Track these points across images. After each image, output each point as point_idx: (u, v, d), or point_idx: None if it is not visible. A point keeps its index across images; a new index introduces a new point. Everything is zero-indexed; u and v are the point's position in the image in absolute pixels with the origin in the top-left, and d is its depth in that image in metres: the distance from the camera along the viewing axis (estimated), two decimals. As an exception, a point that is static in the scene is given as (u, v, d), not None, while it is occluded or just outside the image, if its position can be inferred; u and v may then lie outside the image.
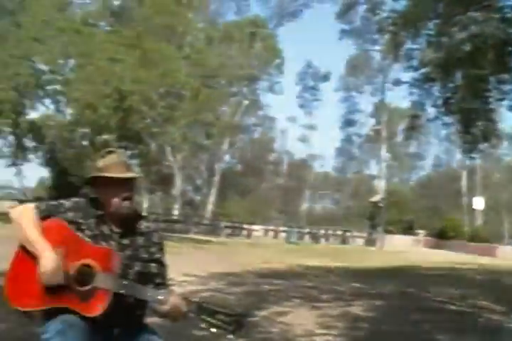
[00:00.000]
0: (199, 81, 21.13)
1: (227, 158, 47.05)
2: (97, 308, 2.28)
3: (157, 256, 2.59)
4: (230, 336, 2.18)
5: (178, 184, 38.63)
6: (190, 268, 10.48)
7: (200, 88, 20.66)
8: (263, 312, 6.79)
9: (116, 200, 2.49)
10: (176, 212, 36.66)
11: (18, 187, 43.77)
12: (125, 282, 2.34)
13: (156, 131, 23.23)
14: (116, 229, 2.53)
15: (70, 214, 2.51)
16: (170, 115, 21.48)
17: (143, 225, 2.61)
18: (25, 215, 2.50)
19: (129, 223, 2.57)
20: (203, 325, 2.21)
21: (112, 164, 2.54)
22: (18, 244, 2.50)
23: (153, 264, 2.56)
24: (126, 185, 2.52)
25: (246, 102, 36.77)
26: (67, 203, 2.56)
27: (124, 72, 19.51)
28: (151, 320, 2.61)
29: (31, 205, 2.56)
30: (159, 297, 2.31)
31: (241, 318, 2.22)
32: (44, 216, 2.51)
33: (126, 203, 2.51)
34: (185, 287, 8.15)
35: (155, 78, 20.00)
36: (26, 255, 2.46)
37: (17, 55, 20.34)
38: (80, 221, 2.51)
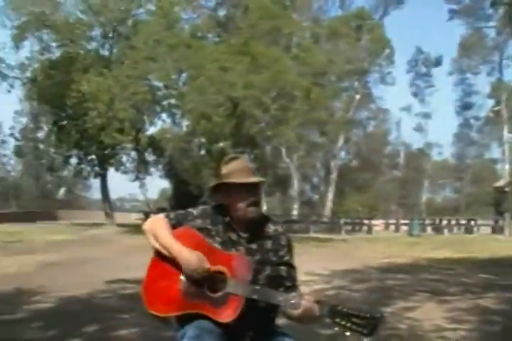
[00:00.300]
0: (309, 80, 21.14)
1: (342, 154, 46.61)
2: (230, 314, 2.31)
3: (286, 258, 2.58)
4: (366, 340, 2.13)
5: (296, 184, 38.76)
6: (312, 267, 10.47)
7: (310, 87, 20.65)
8: (389, 309, 6.67)
9: (242, 206, 2.51)
10: (294, 212, 36.76)
11: (142, 200, 45.92)
12: (257, 287, 2.35)
13: (270, 133, 23.48)
14: (243, 235, 2.55)
15: (199, 222, 2.57)
16: (283, 116, 21.64)
17: (271, 228, 2.61)
18: (158, 224, 2.57)
19: (256, 228, 2.58)
20: (337, 329, 2.18)
21: (236, 170, 2.56)
22: (153, 252, 2.58)
23: (282, 267, 2.55)
24: (251, 190, 2.53)
25: (358, 96, 36.30)
26: (194, 211, 2.62)
27: (235, 79, 19.89)
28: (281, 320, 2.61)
29: (161, 215, 2.64)
30: (292, 301, 2.28)
31: (375, 321, 2.16)
32: (174, 224, 2.57)
33: (253, 208, 2.51)
34: (310, 286, 8.19)
35: (265, 81, 20.23)
36: (161, 262, 2.54)
37: (134, 76, 21.34)
38: (209, 227, 2.56)
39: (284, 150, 33.72)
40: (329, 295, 7.70)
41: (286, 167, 38.21)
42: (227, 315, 2.31)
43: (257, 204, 2.54)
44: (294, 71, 20.63)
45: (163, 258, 2.51)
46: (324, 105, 21.98)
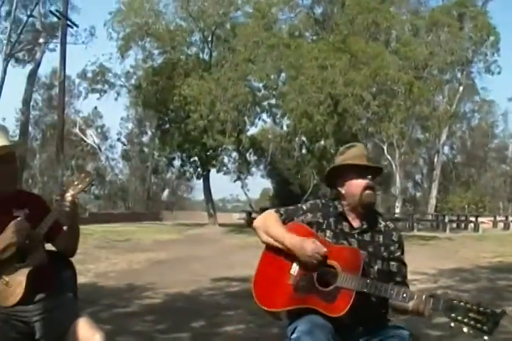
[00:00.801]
0: (410, 74, 20.64)
1: (446, 149, 45.07)
2: (342, 308, 2.26)
3: (397, 254, 2.53)
4: (486, 337, 1.99)
5: (398, 181, 37.98)
6: (418, 265, 10.10)
7: (412, 81, 20.14)
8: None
9: (358, 190, 2.47)
10: (397, 210, 36.01)
11: (244, 200, 46.57)
12: (367, 280, 2.29)
13: (371, 130, 23.13)
14: (356, 226, 2.52)
15: (309, 216, 2.56)
16: (384, 113, 21.25)
17: (382, 223, 2.56)
18: (269, 219, 2.58)
19: (369, 217, 2.54)
20: (453, 325, 2.06)
21: (354, 156, 2.52)
22: (264, 247, 2.60)
23: (393, 263, 2.51)
24: (368, 175, 2.48)
25: (461, 88, 34.96)
26: (304, 206, 2.61)
27: (335, 77, 19.75)
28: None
29: (271, 211, 2.65)
30: (404, 295, 2.22)
31: (497, 317, 2.02)
32: (284, 220, 2.57)
33: (369, 192, 2.47)
34: (416, 285, 7.95)
35: (366, 78, 19.96)
36: (272, 257, 2.54)
37: (234, 78, 21.67)
38: (320, 221, 2.54)
39: (385, 147, 33.09)
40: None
41: (388, 164, 37.50)
42: (338, 309, 2.27)
43: (373, 189, 2.50)
44: (394, 66, 20.17)
45: (273, 254, 2.53)
46: (426, 99, 21.32)
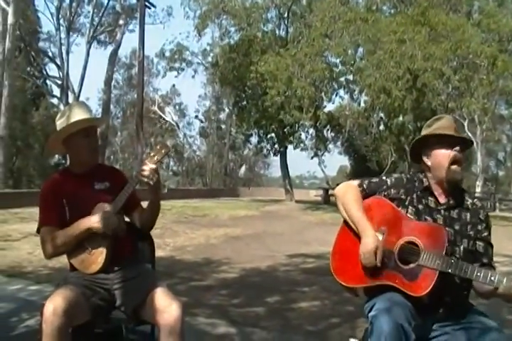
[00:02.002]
0: (494, 47, 19.76)
1: (531, 126, 43.21)
2: (423, 288, 2.19)
3: (485, 234, 2.44)
4: None
5: (479, 159, 36.74)
6: (499, 247, 9.66)
7: (496, 54, 19.27)
8: None
9: (445, 163, 2.39)
10: (478, 190, 34.91)
11: (321, 177, 46.37)
12: (452, 260, 2.20)
13: (452, 106, 22.41)
14: (442, 201, 2.43)
15: (393, 191, 2.48)
16: (466, 88, 20.52)
17: (469, 200, 2.46)
18: (350, 192, 2.52)
19: (456, 193, 2.45)
20: None
21: (442, 127, 2.43)
22: (343, 220, 2.55)
23: (479, 243, 2.41)
24: (456, 147, 2.39)
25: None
26: (388, 180, 2.52)
27: (414, 51, 19.19)
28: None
29: (355, 183, 2.57)
30: (492, 278, 2.12)
31: None
32: (366, 194, 2.51)
33: (456, 167, 2.38)
34: (498, 268, 7.68)
35: (446, 52, 19.28)
36: (351, 231, 2.48)
37: (311, 53, 21.44)
38: (403, 197, 2.46)
39: (466, 124, 32.02)
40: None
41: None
42: (419, 288, 2.21)
43: (460, 163, 2.41)
44: (476, 38, 19.37)
45: (351, 227, 2.49)
46: (511, 73, 20.38)
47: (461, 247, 2.37)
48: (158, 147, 2.68)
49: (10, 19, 20.90)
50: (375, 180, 2.56)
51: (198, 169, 53.08)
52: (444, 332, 2.30)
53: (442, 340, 2.30)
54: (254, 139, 30.23)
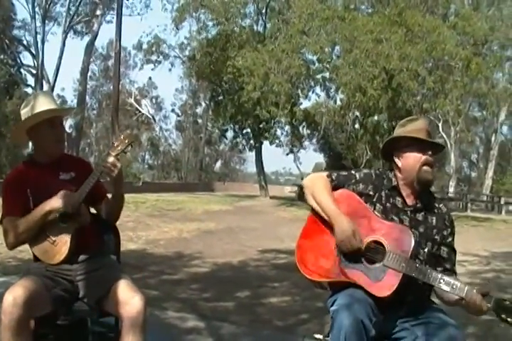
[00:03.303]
0: (469, 49, 19.98)
1: (504, 129, 43.75)
2: (387, 289, 2.19)
3: (449, 240, 2.42)
4: None
5: (453, 160, 37.13)
6: (469, 247, 9.90)
7: (470, 57, 19.48)
8: None
9: (416, 165, 2.36)
10: (451, 190, 35.32)
11: (296, 174, 46.55)
12: (417, 265, 2.20)
13: (426, 106, 22.62)
14: (410, 203, 2.41)
15: (361, 186, 2.45)
16: (440, 89, 20.72)
17: (436, 205, 2.45)
18: (318, 183, 2.46)
19: (424, 196, 2.43)
20: (502, 325, 2.01)
21: (415, 130, 2.40)
22: (310, 211, 2.49)
23: (444, 248, 2.40)
24: (428, 151, 2.37)
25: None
26: (357, 174, 2.49)
27: (390, 51, 19.32)
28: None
29: (323, 174, 2.52)
30: (453, 286, 2.13)
31: None
32: (334, 186, 2.46)
33: (428, 168, 2.36)
34: (466, 267, 7.83)
35: (422, 53, 19.46)
36: (318, 223, 2.43)
37: (288, 50, 21.47)
38: (371, 193, 2.43)
39: (440, 125, 32.37)
40: (487, 278, 7.30)
41: (442, 142, 36.68)
42: (382, 289, 2.20)
43: (431, 165, 2.39)
44: (451, 41, 19.54)
45: (320, 219, 2.44)
46: (485, 76, 20.60)
47: (425, 250, 2.36)
48: (121, 137, 2.63)
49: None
50: (344, 173, 2.52)
51: (174, 163, 52.95)
52: (403, 327, 2.30)
53: (401, 336, 2.30)
54: (230, 134, 30.31)
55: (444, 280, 2.17)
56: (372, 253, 2.29)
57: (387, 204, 2.42)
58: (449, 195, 32.76)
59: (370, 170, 2.54)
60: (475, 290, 2.13)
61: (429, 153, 2.38)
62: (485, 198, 33.37)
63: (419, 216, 2.41)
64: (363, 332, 2.10)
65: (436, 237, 2.40)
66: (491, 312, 2.11)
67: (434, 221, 2.42)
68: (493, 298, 2.11)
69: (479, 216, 22.22)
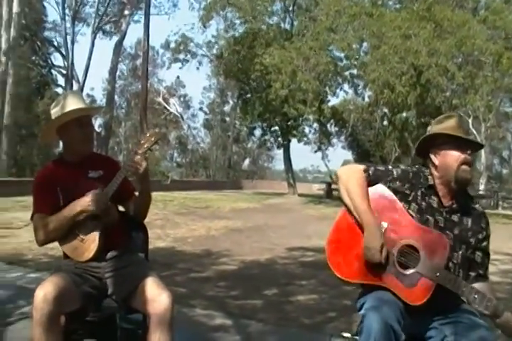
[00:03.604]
0: (500, 44, 19.64)
1: (536, 124, 43.02)
2: (420, 298, 2.16)
3: (484, 244, 2.37)
4: None
5: (483, 157, 36.59)
6: (500, 245, 9.60)
7: (501, 51, 19.15)
8: None
9: (454, 163, 2.30)
10: (481, 187, 34.83)
11: (324, 171, 46.37)
12: (451, 276, 2.16)
13: (456, 103, 22.33)
14: (446, 203, 2.34)
15: (398, 184, 2.37)
16: (470, 85, 20.42)
17: (471, 206, 2.38)
18: (354, 177, 2.39)
19: (460, 196, 2.36)
20: None
21: (451, 127, 2.34)
22: (344, 205, 2.41)
23: (478, 253, 2.35)
24: (466, 149, 2.30)
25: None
26: (395, 171, 2.40)
27: (419, 47, 19.10)
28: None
29: (360, 166, 2.43)
30: (487, 304, 2.09)
31: None
32: (370, 181, 2.38)
33: (466, 167, 2.29)
34: (497, 266, 7.67)
35: (451, 48, 19.21)
36: (351, 218, 2.36)
37: (316, 47, 21.41)
38: (407, 192, 2.36)
39: (470, 121, 31.92)
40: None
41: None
42: (416, 298, 2.17)
43: (470, 164, 2.33)
44: (482, 35, 19.24)
45: (352, 215, 2.37)
46: (517, 71, 20.27)
47: (460, 253, 2.31)
48: (148, 135, 2.67)
49: (15, 8, 20.91)
50: (381, 167, 2.43)
51: (202, 161, 53.09)
52: (432, 326, 2.27)
53: (430, 335, 2.27)
54: (258, 132, 30.35)
55: (478, 296, 2.13)
56: (406, 258, 2.24)
57: (423, 204, 2.35)
58: (480, 192, 32.30)
59: (407, 167, 2.45)
60: (510, 313, 2.09)
61: (468, 152, 2.32)
62: (517, 196, 32.88)
63: (455, 217, 2.36)
64: (392, 336, 2.06)
65: (471, 240, 2.35)
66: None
67: (469, 223, 2.36)
68: None
69: (511, 214, 21.87)
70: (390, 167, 2.44)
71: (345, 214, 2.40)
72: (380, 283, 2.23)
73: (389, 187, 2.37)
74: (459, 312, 2.26)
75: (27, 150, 36.25)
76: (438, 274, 2.17)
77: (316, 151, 31.76)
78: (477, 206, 2.43)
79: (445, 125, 2.38)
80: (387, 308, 2.09)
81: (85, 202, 2.61)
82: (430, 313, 2.27)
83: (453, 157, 2.32)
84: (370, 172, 2.40)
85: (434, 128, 2.44)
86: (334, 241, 2.37)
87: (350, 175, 2.40)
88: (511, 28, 20.15)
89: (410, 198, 2.36)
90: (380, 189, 2.38)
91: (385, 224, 2.28)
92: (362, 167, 2.43)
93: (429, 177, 2.39)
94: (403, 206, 2.34)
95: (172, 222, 12.50)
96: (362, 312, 2.18)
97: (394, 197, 2.35)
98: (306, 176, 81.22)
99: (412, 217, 2.32)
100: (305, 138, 29.15)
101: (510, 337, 2.18)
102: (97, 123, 35.10)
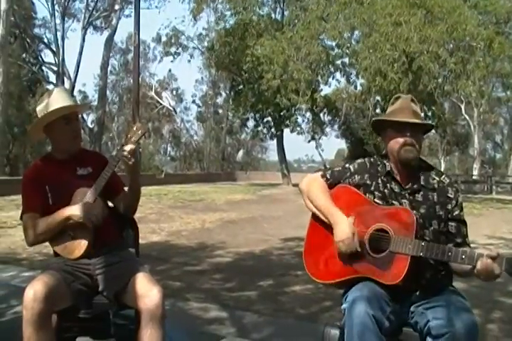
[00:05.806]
0: (491, 29, 19.60)
1: (529, 108, 43.05)
2: (397, 275, 2.15)
3: (455, 213, 2.37)
4: None
5: (476, 142, 36.72)
6: (495, 229, 9.78)
7: (492, 36, 19.13)
8: None
9: (396, 146, 2.35)
10: (475, 172, 34.94)
11: (318, 161, 46.42)
12: (422, 243, 2.15)
13: (448, 89, 22.32)
14: (406, 186, 2.38)
15: (357, 178, 2.44)
16: (462, 70, 20.39)
17: (435, 179, 2.40)
18: (314, 184, 2.48)
19: (419, 174, 2.39)
20: None
21: (398, 109, 2.39)
22: (310, 215, 2.51)
23: (451, 223, 2.36)
24: (408, 131, 2.33)
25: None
26: (352, 166, 2.49)
27: (410, 34, 19.05)
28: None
29: (317, 174, 2.53)
30: (462, 256, 2.09)
31: None
32: (330, 184, 2.47)
33: (408, 147, 2.33)
34: (490, 250, 7.70)
35: (442, 34, 19.16)
36: (319, 226, 2.44)
37: (307, 36, 21.33)
38: (368, 182, 2.42)
39: (463, 107, 31.96)
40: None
41: (465, 124, 36.26)
42: (393, 276, 2.17)
43: (412, 145, 2.35)
44: (473, 21, 19.19)
45: (320, 221, 2.45)
46: (508, 56, 20.20)
47: (430, 229, 2.32)
48: (134, 128, 2.68)
49: (3, 5, 20.71)
50: (337, 168, 2.53)
51: (196, 154, 53.07)
52: (417, 312, 2.27)
53: (415, 321, 2.27)
54: (251, 123, 30.30)
55: (452, 253, 2.13)
56: (378, 242, 2.26)
57: (385, 191, 2.40)
58: (474, 177, 32.44)
59: (363, 160, 2.53)
60: (484, 256, 2.08)
61: (408, 134, 2.34)
62: (510, 180, 32.97)
63: (419, 196, 2.38)
64: (375, 326, 2.07)
65: (440, 213, 2.36)
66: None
67: (435, 197, 2.38)
68: (505, 258, 2.08)
69: (505, 198, 21.96)
70: (347, 165, 2.53)
71: (313, 223, 2.50)
72: (356, 275, 2.27)
73: (350, 184, 2.45)
74: (445, 296, 2.25)
75: (19, 149, 36.13)
76: (409, 246, 2.17)
77: (309, 141, 31.76)
78: (443, 177, 2.44)
79: (392, 108, 2.45)
80: (368, 298, 2.11)
81: (75, 211, 2.61)
82: (416, 298, 2.28)
83: (394, 141, 2.38)
84: (328, 175, 2.51)
85: (388, 109, 2.50)
86: (308, 249, 2.49)
87: (310, 184, 2.51)
88: (502, 12, 20.14)
89: (372, 188, 2.42)
90: (340, 187, 2.47)
91: (352, 218, 2.32)
92: (319, 174, 2.54)
93: (387, 163, 2.44)
94: (367, 197, 2.40)
95: (166, 215, 12.50)
96: (343, 306, 2.22)
97: (357, 191, 2.42)
98: (300, 166, 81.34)
99: (378, 204, 2.37)
100: (298, 128, 29.09)
101: (490, 281, 2.17)
102: (90, 119, 35.05)
